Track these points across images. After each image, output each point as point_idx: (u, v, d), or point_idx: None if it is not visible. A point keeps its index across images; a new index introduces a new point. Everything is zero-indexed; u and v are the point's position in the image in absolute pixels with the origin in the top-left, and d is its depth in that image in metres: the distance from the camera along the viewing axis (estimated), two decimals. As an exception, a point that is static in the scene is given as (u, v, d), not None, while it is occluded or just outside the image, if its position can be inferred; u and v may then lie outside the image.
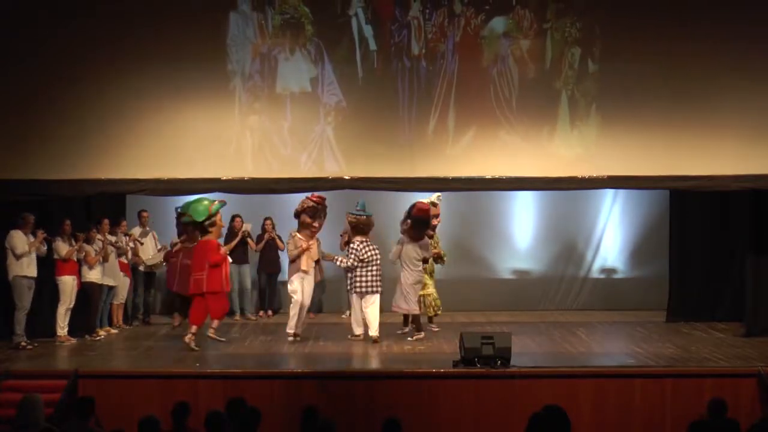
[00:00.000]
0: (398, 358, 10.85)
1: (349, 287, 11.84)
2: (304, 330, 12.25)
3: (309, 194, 11.80)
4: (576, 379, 9.84)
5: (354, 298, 11.78)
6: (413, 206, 11.87)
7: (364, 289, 11.58)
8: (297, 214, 11.80)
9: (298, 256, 11.60)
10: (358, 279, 11.60)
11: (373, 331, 11.57)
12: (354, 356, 11.06)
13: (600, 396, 9.76)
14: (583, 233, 14.97)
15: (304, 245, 11.60)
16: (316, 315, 14.11)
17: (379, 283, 11.64)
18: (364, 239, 11.68)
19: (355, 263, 11.56)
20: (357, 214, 11.73)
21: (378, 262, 11.66)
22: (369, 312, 11.60)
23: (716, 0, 11.77)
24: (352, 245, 11.69)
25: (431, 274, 12.41)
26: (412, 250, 11.77)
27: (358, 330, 11.82)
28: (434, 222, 12.19)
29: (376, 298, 11.63)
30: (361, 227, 11.70)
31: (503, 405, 9.65)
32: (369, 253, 11.59)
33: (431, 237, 12.18)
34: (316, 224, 11.71)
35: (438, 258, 12.42)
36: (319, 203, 11.72)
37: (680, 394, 9.74)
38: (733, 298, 13.21)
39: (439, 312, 12.48)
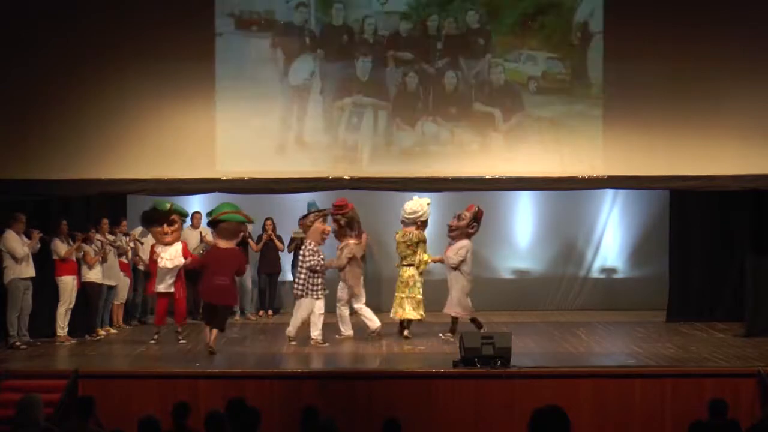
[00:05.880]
0: (398, 358, 10.86)
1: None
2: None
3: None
4: (576, 379, 9.83)
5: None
6: (479, 209, 11.96)
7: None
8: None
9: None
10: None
11: (288, 329, 11.60)
12: (354, 356, 11.05)
13: (600, 396, 9.75)
14: (583, 233, 14.97)
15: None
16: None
17: (297, 286, 11.57)
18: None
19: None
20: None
21: (300, 265, 11.55)
22: (293, 315, 11.62)
23: (717, 1, 11.77)
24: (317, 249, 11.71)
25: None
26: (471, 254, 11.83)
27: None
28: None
29: (298, 300, 11.56)
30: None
31: (503, 405, 9.65)
32: (300, 257, 11.67)
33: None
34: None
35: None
36: (332, 212, 11.87)
37: (680, 394, 9.74)
38: (733, 298, 13.21)
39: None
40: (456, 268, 11.89)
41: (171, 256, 11.59)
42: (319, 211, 11.80)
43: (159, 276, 11.59)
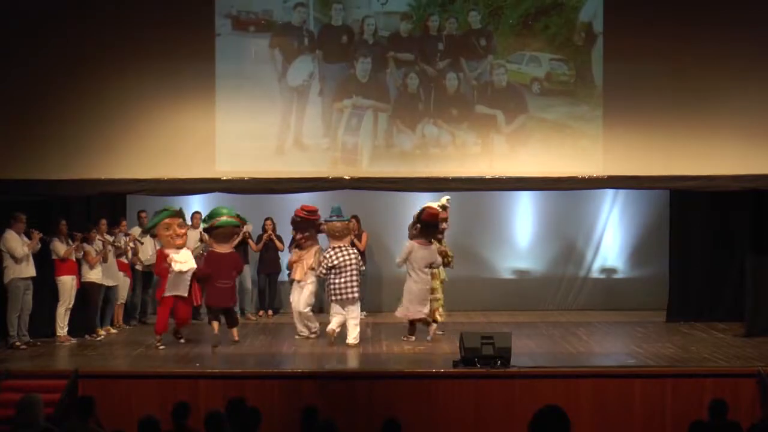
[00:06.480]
0: (398, 358, 10.85)
1: (326, 294, 11.73)
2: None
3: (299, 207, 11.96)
4: (576, 379, 9.84)
5: (333, 306, 11.56)
6: (423, 210, 11.81)
7: (338, 296, 11.39)
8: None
9: (288, 268, 12.17)
10: (331, 286, 11.44)
11: (351, 339, 11.37)
12: (354, 356, 11.05)
13: (600, 396, 9.76)
14: (583, 233, 14.98)
15: (292, 258, 12.07)
16: (316, 315, 14.11)
17: (353, 290, 11.38)
18: (337, 245, 11.51)
19: (323, 270, 11.46)
20: (328, 221, 11.66)
21: (352, 267, 11.41)
22: (348, 321, 11.43)
23: (717, 0, 11.78)
24: (324, 252, 11.63)
25: (442, 280, 12.19)
26: (420, 256, 11.72)
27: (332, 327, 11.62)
28: (443, 226, 12.11)
29: (353, 305, 11.43)
30: (333, 233, 11.58)
31: (503, 405, 9.65)
32: (341, 259, 11.40)
33: (440, 242, 12.14)
34: (299, 237, 11.88)
35: (444, 259, 12.15)
36: (300, 217, 11.80)
37: (680, 394, 9.75)
38: (733, 298, 13.22)
39: (443, 319, 12.19)
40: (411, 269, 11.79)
41: (184, 260, 11.43)
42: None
43: (171, 281, 11.33)
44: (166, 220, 11.51)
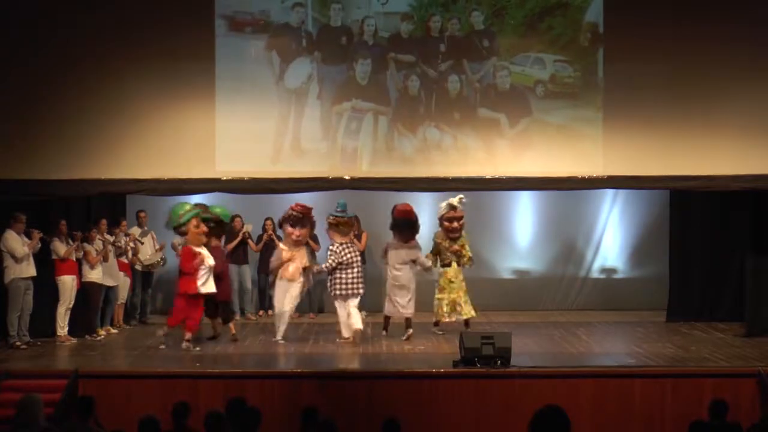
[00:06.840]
0: (398, 358, 10.85)
1: (329, 290, 11.68)
2: (304, 330, 12.29)
3: (293, 204, 11.80)
4: (576, 379, 9.84)
5: (337, 302, 11.60)
6: (394, 208, 11.92)
7: (344, 292, 11.44)
8: (280, 225, 11.90)
9: (278, 267, 11.61)
10: (338, 281, 11.46)
11: (358, 325, 11.38)
12: (354, 356, 11.05)
13: (600, 396, 9.76)
14: (583, 233, 14.98)
15: (285, 255, 11.57)
16: (316, 315, 14.12)
17: (359, 285, 11.52)
18: (343, 241, 11.55)
19: (332, 265, 11.42)
20: (336, 215, 11.60)
21: (358, 263, 11.54)
22: (353, 313, 11.45)
23: (717, 1, 11.78)
24: (331, 247, 11.58)
25: (450, 279, 12.15)
26: (393, 253, 11.77)
27: (346, 333, 11.57)
28: (456, 225, 12.10)
29: (357, 300, 11.53)
30: (340, 228, 11.57)
31: (503, 405, 9.66)
32: (349, 255, 11.46)
33: (455, 240, 12.12)
34: (296, 233, 11.54)
35: (460, 258, 12.19)
36: (300, 212, 11.59)
37: (680, 394, 9.75)
38: (733, 298, 13.22)
39: (445, 319, 12.13)
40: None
41: (209, 255, 11.33)
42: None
43: (204, 278, 11.15)
44: (195, 218, 11.31)
